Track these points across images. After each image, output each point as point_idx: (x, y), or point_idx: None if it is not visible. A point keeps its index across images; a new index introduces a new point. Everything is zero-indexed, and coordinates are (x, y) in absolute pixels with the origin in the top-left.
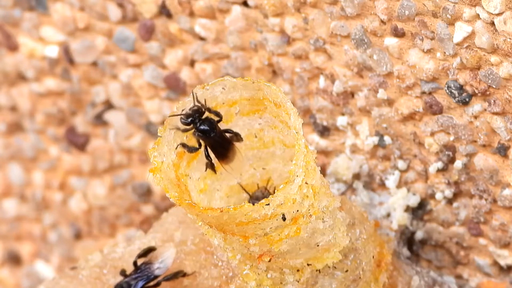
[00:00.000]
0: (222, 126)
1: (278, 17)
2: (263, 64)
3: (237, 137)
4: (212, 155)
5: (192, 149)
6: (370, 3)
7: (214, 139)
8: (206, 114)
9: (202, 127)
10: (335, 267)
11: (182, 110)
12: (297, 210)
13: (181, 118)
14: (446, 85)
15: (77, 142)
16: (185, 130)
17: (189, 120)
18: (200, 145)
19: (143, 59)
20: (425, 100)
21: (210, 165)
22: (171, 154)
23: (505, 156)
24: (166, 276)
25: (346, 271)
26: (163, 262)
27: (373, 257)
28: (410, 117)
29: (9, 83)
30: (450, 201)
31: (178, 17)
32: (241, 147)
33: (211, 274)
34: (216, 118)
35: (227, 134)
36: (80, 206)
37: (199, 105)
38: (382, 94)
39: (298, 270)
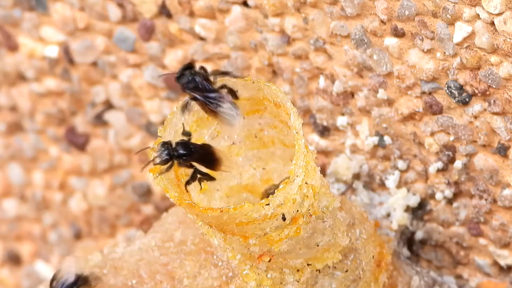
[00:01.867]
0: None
1: (278, 17)
2: (263, 64)
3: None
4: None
5: (206, 175)
6: (370, 3)
7: (197, 154)
8: (173, 141)
9: (180, 152)
10: (335, 267)
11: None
12: (297, 210)
13: (160, 161)
14: (446, 85)
15: (77, 142)
16: (170, 167)
17: (167, 155)
18: (191, 166)
19: (143, 59)
20: (425, 100)
21: (209, 178)
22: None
23: (505, 156)
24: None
25: (346, 271)
26: (67, 276)
27: (373, 257)
28: (410, 117)
29: (9, 83)
30: (450, 201)
31: (178, 17)
32: (234, 148)
33: (211, 274)
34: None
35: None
36: (80, 206)
37: (165, 141)
38: (382, 94)
39: (298, 270)
